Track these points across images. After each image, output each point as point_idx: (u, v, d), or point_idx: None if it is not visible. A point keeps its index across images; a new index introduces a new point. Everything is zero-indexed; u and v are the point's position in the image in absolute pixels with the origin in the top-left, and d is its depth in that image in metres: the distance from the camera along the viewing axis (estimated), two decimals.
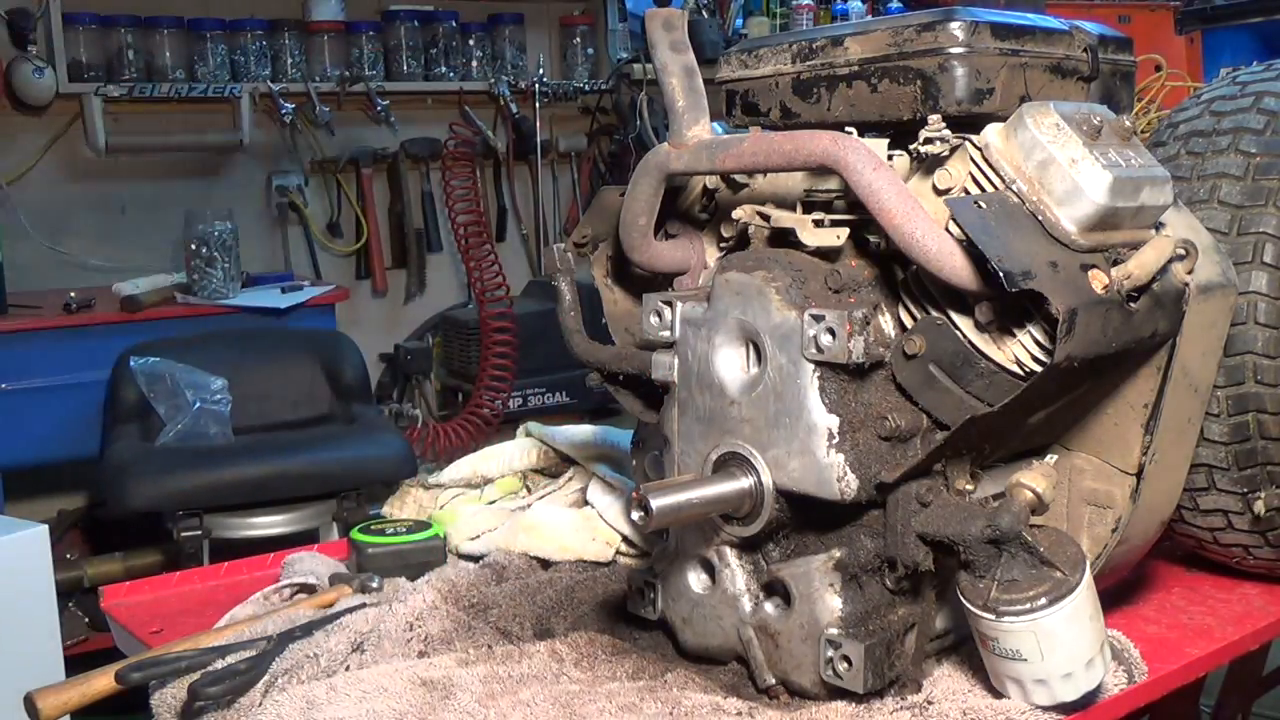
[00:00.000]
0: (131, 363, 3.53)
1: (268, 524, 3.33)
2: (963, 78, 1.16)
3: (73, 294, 3.86)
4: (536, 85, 5.15)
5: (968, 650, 1.22)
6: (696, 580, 1.27)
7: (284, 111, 4.75)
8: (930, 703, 1.16)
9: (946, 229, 1.10)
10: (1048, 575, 1.07)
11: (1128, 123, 1.16)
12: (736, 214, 1.26)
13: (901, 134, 1.21)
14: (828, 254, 1.20)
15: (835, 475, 1.11)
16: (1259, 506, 1.36)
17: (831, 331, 1.10)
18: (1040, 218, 1.11)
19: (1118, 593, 1.43)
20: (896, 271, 1.18)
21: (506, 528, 1.61)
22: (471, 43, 5.20)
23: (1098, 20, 1.40)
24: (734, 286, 1.18)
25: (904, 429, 1.13)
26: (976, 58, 1.16)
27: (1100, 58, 1.27)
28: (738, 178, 1.33)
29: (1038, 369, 1.10)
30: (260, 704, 1.20)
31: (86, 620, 3.66)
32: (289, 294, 4.15)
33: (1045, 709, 1.12)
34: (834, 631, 1.15)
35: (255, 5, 4.80)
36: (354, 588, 1.49)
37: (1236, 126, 1.41)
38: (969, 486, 1.19)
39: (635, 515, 1.10)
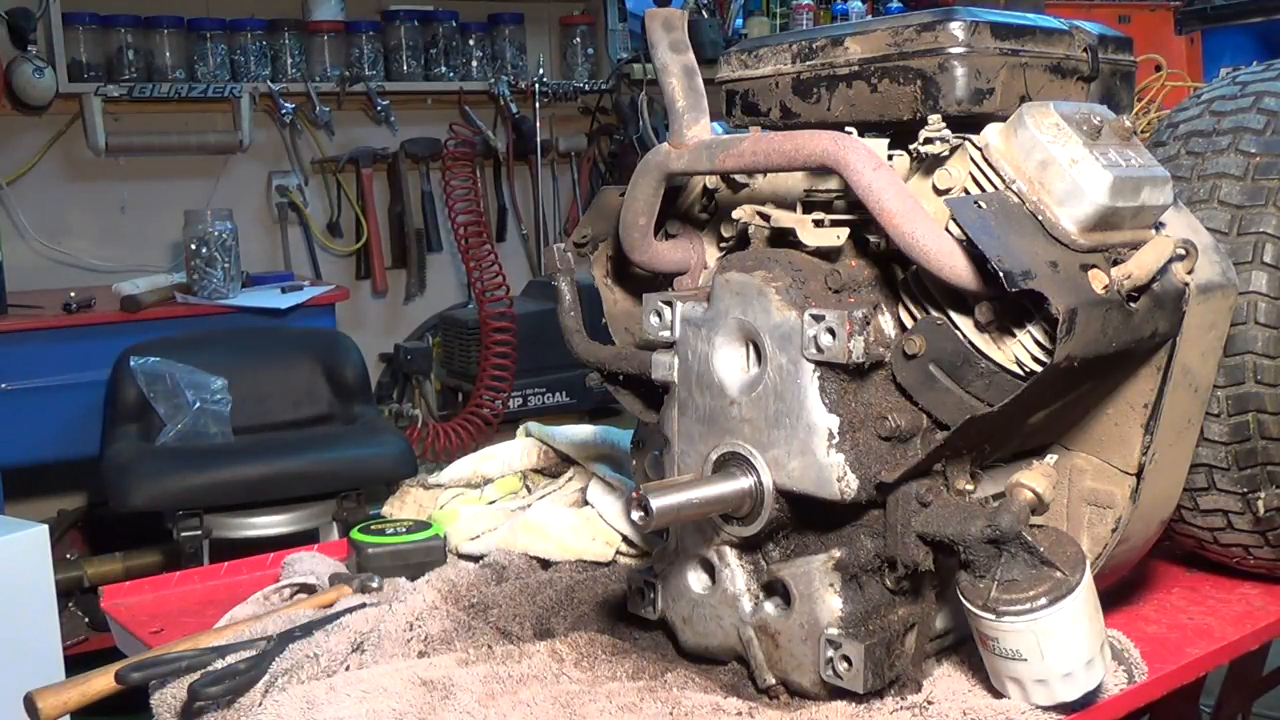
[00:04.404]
0: (131, 363, 3.54)
1: (268, 524, 3.33)
2: (963, 78, 1.16)
3: (73, 294, 3.86)
4: (536, 85, 5.15)
5: (968, 650, 1.22)
6: (696, 580, 1.27)
7: (284, 111, 4.76)
8: (930, 703, 1.16)
9: (946, 229, 1.10)
10: (1048, 575, 1.07)
11: (1128, 123, 1.16)
12: (736, 214, 1.26)
13: (901, 134, 1.21)
14: (828, 254, 1.20)
15: (835, 475, 1.11)
16: (1260, 506, 1.36)
17: (831, 331, 1.10)
18: (1040, 218, 1.11)
19: (1118, 593, 1.43)
20: (896, 271, 1.18)
21: (507, 528, 1.61)
22: (471, 43, 5.20)
23: (1098, 20, 1.40)
24: (734, 286, 1.18)
25: (904, 429, 1.13)
26: (976, 58, 1.16)
27: (1100, 58, 1.27)
28: (738, 178, 1.33)
29: (1038, 369, 1.10)
30: (260, 704, 1.20)
31: (86, 620, 3.66)
32: (289, 294, 4.15)
33: (1045, 709, 1.12)
34: (834, 631, 1.15)
35: (255, 5, 4.80)
36: (354, 588, 1.49)
37: (1236, 126, 1.41)
38: (969, 486, 1.19)
39: (635, 515, 1.10)
